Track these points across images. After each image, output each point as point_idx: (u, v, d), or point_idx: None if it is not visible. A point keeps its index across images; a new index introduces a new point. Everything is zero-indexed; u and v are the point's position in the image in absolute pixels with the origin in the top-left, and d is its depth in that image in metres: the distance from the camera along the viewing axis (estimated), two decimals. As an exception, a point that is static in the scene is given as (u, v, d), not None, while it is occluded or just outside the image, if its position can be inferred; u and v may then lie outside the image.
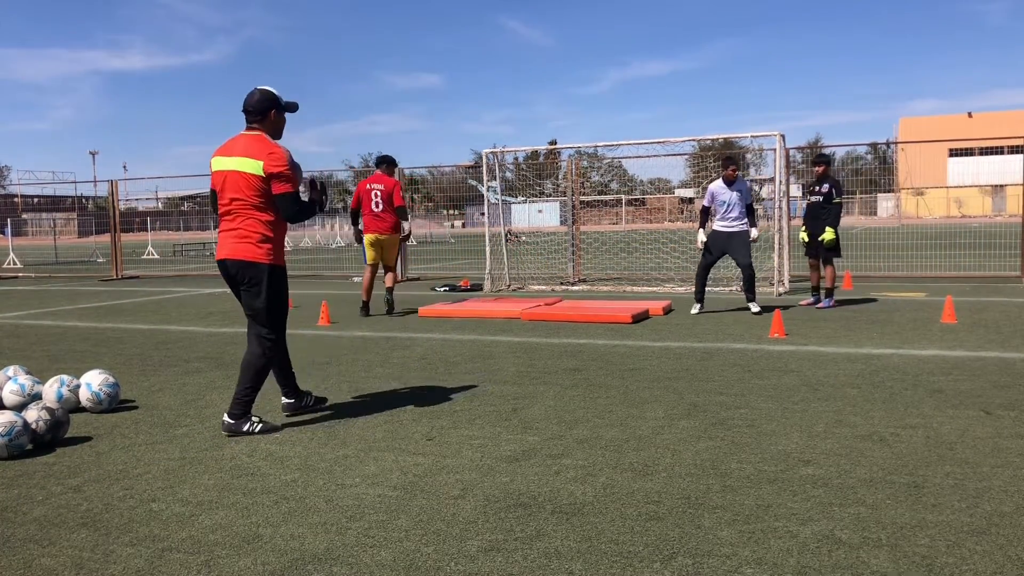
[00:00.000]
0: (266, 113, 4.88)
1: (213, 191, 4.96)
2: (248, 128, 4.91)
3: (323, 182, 5.05)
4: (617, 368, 6.69)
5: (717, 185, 10.14)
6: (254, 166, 4.72)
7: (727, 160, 10.17)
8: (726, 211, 10.04)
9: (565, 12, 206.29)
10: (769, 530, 3.27)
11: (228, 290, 5.10)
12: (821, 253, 10.59)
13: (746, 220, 10.08)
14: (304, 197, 4.95)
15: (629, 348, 7.70)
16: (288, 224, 5.01)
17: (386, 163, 10.86)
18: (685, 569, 2.94)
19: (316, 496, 3.78)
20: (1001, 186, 54.84)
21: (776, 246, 12.93)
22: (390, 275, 10.85)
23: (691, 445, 4.46)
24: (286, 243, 4.99)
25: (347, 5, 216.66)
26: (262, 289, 4.84)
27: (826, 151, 12.56)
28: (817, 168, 10.74)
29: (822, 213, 10.51)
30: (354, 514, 3.54)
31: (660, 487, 3.80)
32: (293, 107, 5.02)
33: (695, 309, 10.33)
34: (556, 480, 3.93)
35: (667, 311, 10.47)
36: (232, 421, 4.84)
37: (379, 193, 10.50)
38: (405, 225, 10.87)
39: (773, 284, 12.98)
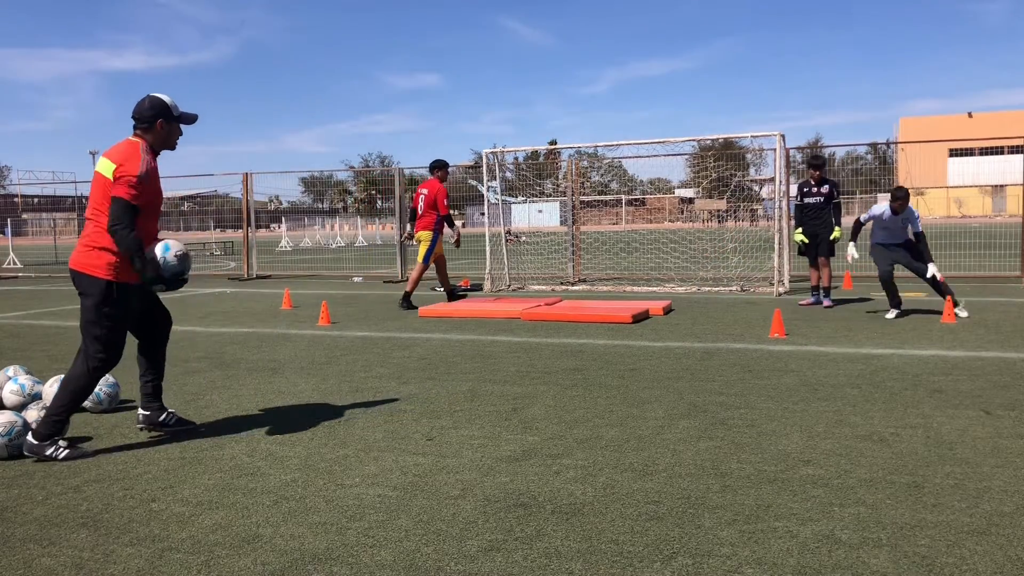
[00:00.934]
0: (152, 122, 4.60)
1: None
2: (134, 135, 4.65)
3: (156, 264, 4.50)
4: (617, 368, 6.69)
5: (882, 209, 9.60)
6: (108, 168, 4.44)
7: (897, 191, 9.44)
8: (888, 235, 9.62)
9: (565, 12, 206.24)
10: (769, 530, 3.27)
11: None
12: (823, 252, 10.62)
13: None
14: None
15: (629, 348, 7.70)
16: (152, 234, 4.60)
17: (437, 168, 11.76)
18: (685, 569, 2.94)
19: (316, 496, 3.78)
20: (1001, 186, 54.80)
21: (776, 246, 12.94)
22: (415, 270, 11.68)
23: (691, 445, 4.46)
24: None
25: (347, 5, 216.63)
26: (91, 303, 4.48)
27: (825, 151, 12.57)
28: (814, 172, 10.73)
29: (823, 214, 10.60)
30: (354, 514, 3.54)
31: (660, 487, 3.80)
32: (190, 119, 4.75)
33: (891, 314, 9.60)
34: (556, 480, 3.93)
35: (667, 311, 10.46)
36: (35, 442, 4.41)
37: (424, 197, 11.52)
38: (449, 231, 11.62)
39: (773, 284, 12.99)
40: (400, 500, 3.70)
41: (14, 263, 26.08)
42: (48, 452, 4.42)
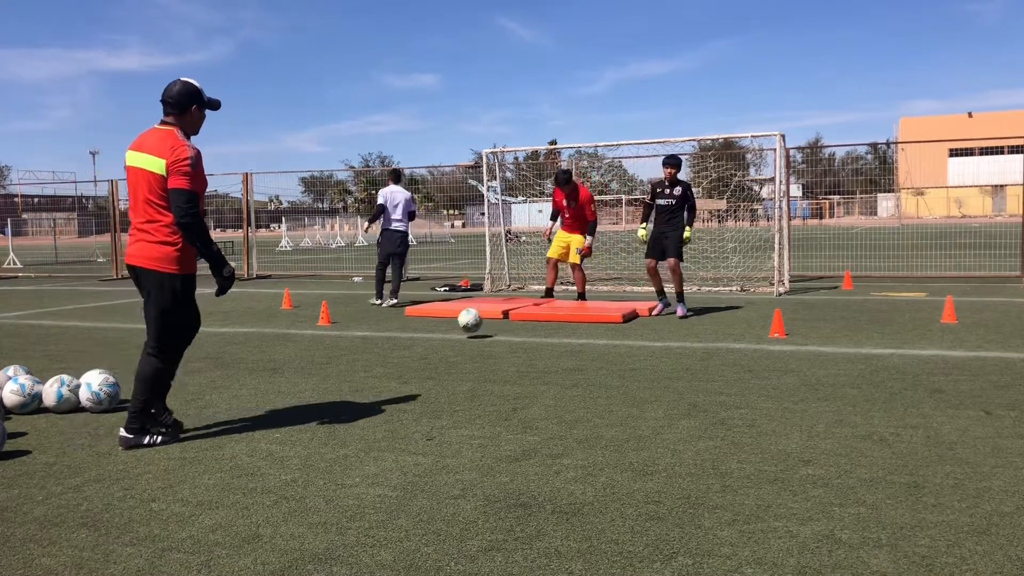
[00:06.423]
0: (186, 107, 4.60)
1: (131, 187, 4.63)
2: (162, 122, 4.61)
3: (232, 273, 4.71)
4: (617, 368, 6.69)
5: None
6: (158, 164, 4.44)
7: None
8: None
9: (563, 13, 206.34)
10: (769, 530, 3.27)
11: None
12: (671, 254, 9.93)
13: None
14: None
15: (629, 348, 7.70)
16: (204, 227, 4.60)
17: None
18: (685, 569, 2.94)
19: (316, 496, 3.78)
20: (1001, 186, 54.82)
21: (776, 246, 12.93)
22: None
23: (691, 445, 4.46)
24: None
25: (346, 5, 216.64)
26: (161, 297, 4.57)
27: (826, 151, 12.54)
28: (668, 171, 10.05)
29: (674, 218, 9.96)
30: (354, 514, 3.54)
31: (660, 487, 3.80)
32: (216, 104, 4.73)
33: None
34: (556, 480, 3.93)
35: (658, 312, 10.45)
36: (130, 436, 4.59)
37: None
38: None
39: (773, 284, 12.99)
40: (400, 500, 3.70)
41: (14, 263, 26.08)
42: (146, 441, 4.62)
